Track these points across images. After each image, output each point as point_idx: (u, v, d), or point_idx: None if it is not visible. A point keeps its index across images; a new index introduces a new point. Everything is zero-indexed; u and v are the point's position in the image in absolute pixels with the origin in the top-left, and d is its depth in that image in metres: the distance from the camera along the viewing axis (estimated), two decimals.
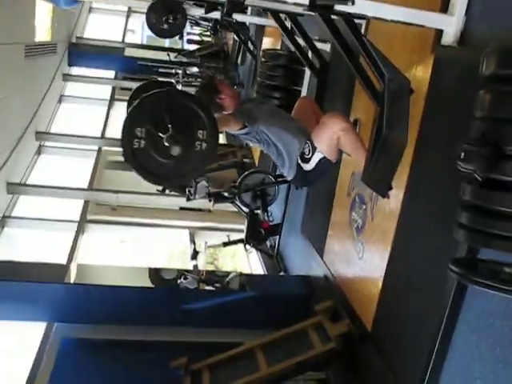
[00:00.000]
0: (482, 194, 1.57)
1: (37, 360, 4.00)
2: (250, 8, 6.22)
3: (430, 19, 2.64)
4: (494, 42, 2.04)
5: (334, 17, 2.57)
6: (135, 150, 2.33)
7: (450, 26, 2.63)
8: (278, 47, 6.36)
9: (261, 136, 3.31)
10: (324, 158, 3.19)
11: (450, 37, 2.65)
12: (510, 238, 1.50)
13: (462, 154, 1.54)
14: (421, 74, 2.97)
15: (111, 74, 11.97)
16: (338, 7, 2.40)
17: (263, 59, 5.23)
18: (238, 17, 5.66)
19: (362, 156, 3.01)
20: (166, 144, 2.29)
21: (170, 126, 2.27)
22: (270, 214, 5.69)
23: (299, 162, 3.28)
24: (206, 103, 2.46)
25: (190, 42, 12.45)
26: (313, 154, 3.20)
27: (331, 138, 3.09)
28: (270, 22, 4.80)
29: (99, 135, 9.28)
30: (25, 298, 4.20)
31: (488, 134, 1.53)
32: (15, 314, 4.25)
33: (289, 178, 3.47)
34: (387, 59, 2.60)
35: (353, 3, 2.29)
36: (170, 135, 2.27)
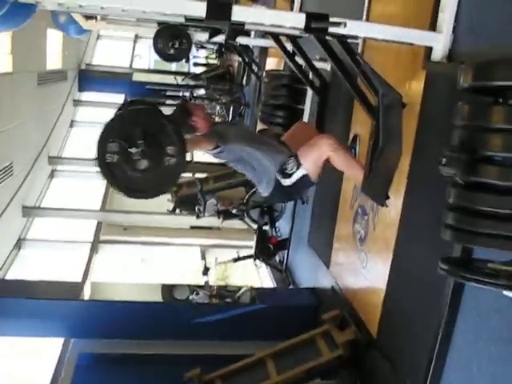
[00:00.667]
0: (461, 195, 1.72)
1: (55, 374, 4.13)
2: (253, 31, 6.43)
3: (419, 37, 2.81)
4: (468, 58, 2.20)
5: (328, 38, 2.75)
6: (108, 164, 2.45)
7: (439, 43, 2.79)
8: (282, 68, 6.55)
9: (234, 155, 3.41)
10: (306, 175, 3.29)
11: (439, 53, 2.82)
12: (488, 235, 1.65)
13: (444, 159, 1.70)
14: (414, 88, 3.13)
15: (120, 98, 12.25)
16: (332, 29, 2.57)
17: (266, 80, 5.42)
18: (241, 40, 5.85)
19: (356, 172, 3.15)
20: (136, 158, 2.43)
21: (140, 141, 2.41)
22: (277, 229, 5.85)
23: (278, 177, 3.41)
24: (176, 121, 2.58)
25: (196, 65, 12.70)
26: (297, 170, 3.32)
27: (319, 157, 3.20)
28: (272, 43, 4.98)
29: None
30: (42, 314, 4.36)
31: (466, 141, 1.69)
32: (33, 331, 4.41)
33: (264, 195, 3.54)
34: (380, 76, 2.76)
35: (345, 26, 2.46)
36: (140, 150, 2.42)
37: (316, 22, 2.58)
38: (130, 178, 2.49)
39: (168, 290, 5.83)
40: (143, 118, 2.49)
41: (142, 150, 2.42)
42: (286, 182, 3.33)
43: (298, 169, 3.26)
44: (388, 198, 3.00)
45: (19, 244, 6.91)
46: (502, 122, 1.61)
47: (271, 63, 7.57)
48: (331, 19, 2.57)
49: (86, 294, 4.90)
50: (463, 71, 1.76)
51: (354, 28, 2.60)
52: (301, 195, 3.62)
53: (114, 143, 2.43)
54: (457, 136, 1.77)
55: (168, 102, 10.74)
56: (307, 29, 2.59)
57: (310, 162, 3.23)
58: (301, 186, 3.39)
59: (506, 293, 1.89)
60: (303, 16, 2.58)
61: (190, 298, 6.04)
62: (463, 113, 1.74)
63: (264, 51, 7.96)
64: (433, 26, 2.85)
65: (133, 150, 2.42)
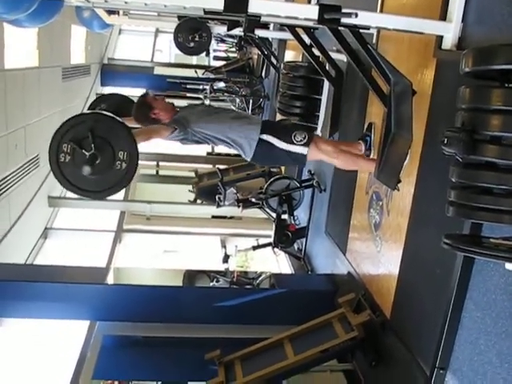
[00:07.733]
0: (462, 173, 1.83)
1: (82, 354, 4.31)
2: (272, 24, 6.54)
3: (430, 27, 2.90)
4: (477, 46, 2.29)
5: (341, 28, 2.86)
6: (61, 163, 2.49)
7: (449, 32, 2.88)
8: (300, 59, 6.65)
9: (200, 136, 3.54)
10: (303, 155, 3.55)
11: (449, 42, 2.91)
12: (486, 209, 1.76)
13: (445, 139, 1.81)
14: (425, 75, 3.22)
15: (142, 92, 12.42)
16: (344, 20, 2.68)
17: (284, 71, 5.52)
18: (259, 32, 5.98)
19: (363, 167, 3.73)
20: (88, 160, 2.46)
21: (92, 145, 2.45)
22: (296, 217, 5.95)
23: (272, 138, 3.55)
24: (128, 127, 2.58)
25: (216, 58, 12.83)
26: (300, 145, 3.54)
27: (320, 157, 3.68)
28: (290, 36, 5.09)
29: None
30: (69, 298, 4.53)
31: (466, 122, 1.80)
32: (61, 313, 4.58)
33: (248, 159, 3.69)
34: (391, 64, 2.86)
35: (356, 16, 2.56)
36: (92, 153, 2.45)
37: (329, 13, 2.70)
38: (81, 178, 2.51)
39: (190, 276, 6.00)
40: (95, 123, 2.50)
41: (93, 153, 2.45)
42: (282, 144, 3.52)
43: (302, 146, 3.49)
44: (399, 181, 3.11)
45: (45, 233, 7.13)
46: (499, 104, 1.71)
47: (290, 55, 7.66)
48: (343, 10, 2.69)
49: (110, 279, 5.07)
50: (465, 56, 1.86)
51: (365, 18, 2.71)
52: (284, 165, 3.93)
53: (67, 144, 2.47)
54: (458, 118, 1.89)
55: (189, 94, 10.89)
56: (320, 20, 2.71)
57: (313, 154, 3.60)
58: (290, 158, 3.61)
59: (508, 266, 1.99)
60: (316, 7, 2.69)
61: (211, 284, 6.21)
62: (463, 95, 1.85)
63: (282, 44, 8.06)
64: (443, 16, 2.94)
65: (84, 153, 2.45)
